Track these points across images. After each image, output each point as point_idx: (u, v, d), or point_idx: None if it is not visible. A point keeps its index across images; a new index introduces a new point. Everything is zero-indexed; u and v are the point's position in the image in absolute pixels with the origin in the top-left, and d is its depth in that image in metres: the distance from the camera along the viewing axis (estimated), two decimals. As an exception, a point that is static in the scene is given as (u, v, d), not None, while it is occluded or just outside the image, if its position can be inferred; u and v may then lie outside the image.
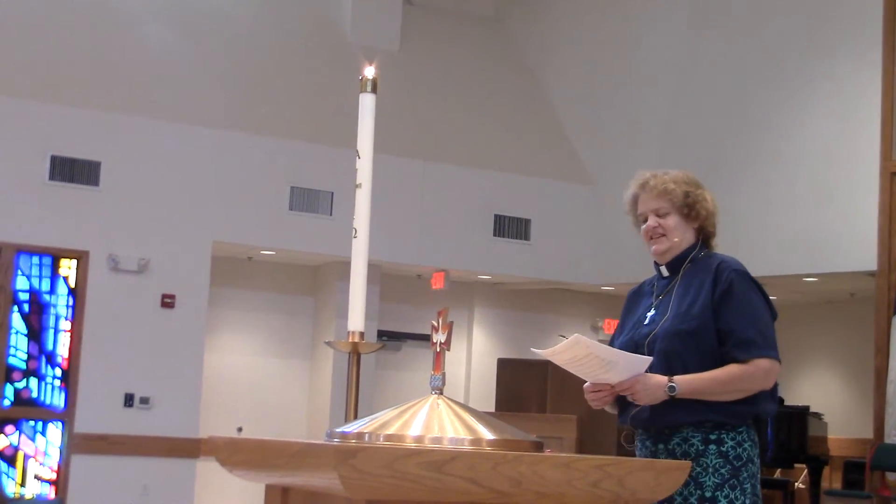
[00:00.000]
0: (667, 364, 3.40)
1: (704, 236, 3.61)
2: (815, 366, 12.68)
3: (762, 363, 3.36)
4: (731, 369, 3.35)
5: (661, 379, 3.34)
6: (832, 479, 11.13)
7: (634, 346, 3.51)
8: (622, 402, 3.51)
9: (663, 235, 3.56)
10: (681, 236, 3.56)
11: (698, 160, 10.29)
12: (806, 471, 10.83)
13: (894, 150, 8.92)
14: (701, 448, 3.39)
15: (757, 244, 10.01)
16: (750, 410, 3.40)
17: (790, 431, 10.01)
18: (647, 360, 3.36)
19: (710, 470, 3.37)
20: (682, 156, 11.21)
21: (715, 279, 3.46)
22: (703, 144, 10.98)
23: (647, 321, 3.54)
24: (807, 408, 10.62)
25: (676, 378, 3.34)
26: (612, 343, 3.63)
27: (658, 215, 3.56)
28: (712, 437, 3.39)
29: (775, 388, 3.47)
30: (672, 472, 2.61)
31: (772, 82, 10.94)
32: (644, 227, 3.61)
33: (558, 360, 3.33)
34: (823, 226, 10.21)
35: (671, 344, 3.41)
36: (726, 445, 3.38)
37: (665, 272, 3.60)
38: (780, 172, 10.57)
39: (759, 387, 3.38)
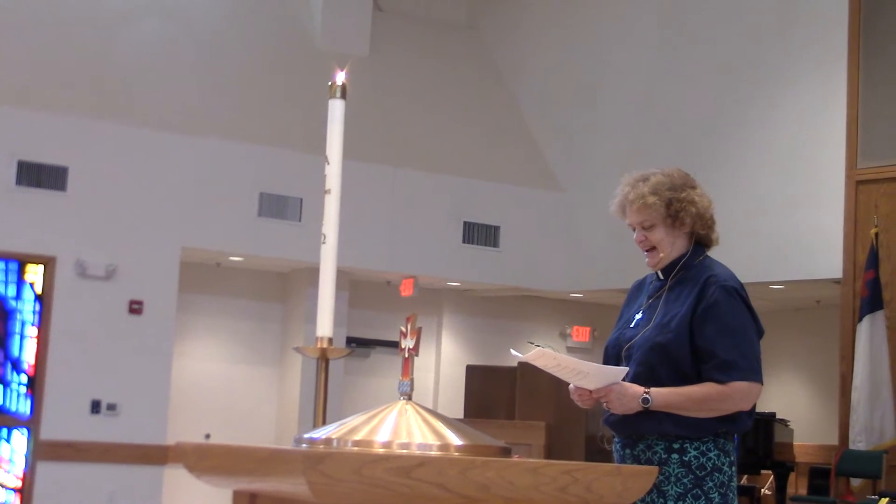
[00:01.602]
0: (637, 371, 3.40)
1: (699, 237, 3.54)
2: (781, 372, 12.76)
3: (740, 386, 3.32)
4: (707, 388, 3.33)
5: (637, 389, 3.33)
6: (798, 485, 11.20)
7: (618, 348, 3.52)
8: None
9: (653, 248, 3.52)
10: (670, 246, 3.50)
11: (668, 165, 10.32)
12: (772, 477, 10.90)
13: (859, 158, 8.99)
14: (664, 456, 3.38)
15: (723, 252, 10.06)
16: (714, 426, 3.38)
17: (756, 438, 10.08)
18: (623, 371, 3.35)
19: (672, 479, 3.36)
20: (650, 163, 11.24)
21: (700, 293, 3.41)
22: (670, 152, 11.04)
23: (633, 324, 3.53)
24: (773, 414, 10.69)
25: (652, 390, 3.32)
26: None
27: (644, 228, 3.52)
28: (675, 446, 3.37)
29: (753, 406, 3.45)
30: (639, 478, 2.63)
31: (737, 91, 11.02)
32: (635, 238, 3.56)
33: (538, 365, 3.36)
34: (790, 234, 10.28)
35: (645, 355, 3.40)
36: (689, 455, 3.37)
37: (661, 274, 3.56)
38: (746, 180, 10.64)
39: (735, 408, 3.35)
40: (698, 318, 3.38)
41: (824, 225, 9.76)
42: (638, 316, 3.53)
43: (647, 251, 3.55)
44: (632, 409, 3.34)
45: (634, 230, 3.56)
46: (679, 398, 3.33)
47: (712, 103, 11.22)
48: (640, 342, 3.43)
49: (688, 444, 3.37)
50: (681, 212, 3.48)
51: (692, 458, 3.37)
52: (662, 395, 3.32)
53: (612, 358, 3.53)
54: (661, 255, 3.51)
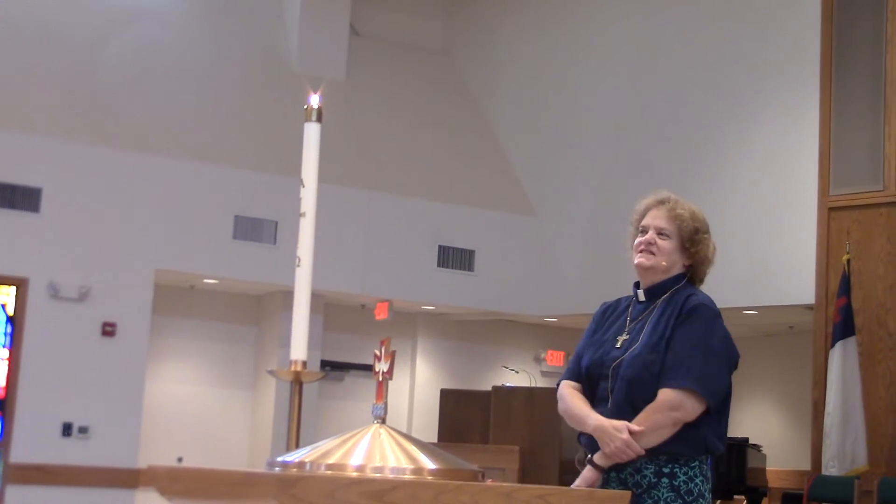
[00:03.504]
0: (629, 390, 3.40)
1: (691, 277, 3.61)
2: (754, 398, 12.80)
3: (668, 395, 3.34)
4: (646, 406, 3.36)
5: (618, 423, 3.35)
6: (771, 511, 11.23)
7: (601, 366, 3.50)
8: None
9: (652, 253, 3.54)
10: (669, 263, 3.55)
11: (640, 191, 10.39)
12: (745, 502, 10.91)
13: (832, 185, 9.05)
14: (653, 480, 3.38)
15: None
16: (702, 438, 3.39)
17: (729, 463, 10.10)
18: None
19: (662, 503, 3.37)
20: (623, 187, 11.32)
21: (680, 311, 3.47)
22: (644, 177, 11.10)
23: (618, 344, 3.52)
24: (746, 439, 10.72)
25: (631, 427, 3.34)
26: (578, 356, 3.61)
27: (659, 233, 3.56)
28: (665, 469, 3.38)
29: (723, 426, 3.45)
30: (612, 502, 2.63)
31: (710, 118, 11.09)
32: (639, 238, 3.58)
33: None
34: (763, 260, 10.34)
35: (637, 372, 3.40)
36: (678, 479, 3.37)
37: (642, 297, 3.58)
38: (719, 206, 10.69)
39: (675, 417, 3.33)
40: (675, 331, 3.43)
41: (797, 251, 9.82)
42: (623, 336, 3.53)
43: (644, 253, 3.55)
44: (635, 447, 3.32)
45: (641, 234, 3.58)
46: (644, 413, 3.35)
47: (685, 129, 11.29)
48: (629, 360, 3.44)
49: (677, 469, 3.38)
50: (699, 244, 3.59)
51: (681, 483, 3.38)
52: (645, 437, 3.33)
53: (595, 377, 3.52)
54: (663, 263, 3.54)
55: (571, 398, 3.54)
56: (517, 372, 12.86)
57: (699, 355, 3.39)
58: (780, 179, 10.40)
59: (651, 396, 3.38)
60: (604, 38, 12.26)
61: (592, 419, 3.42)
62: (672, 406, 3.33)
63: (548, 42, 12.82)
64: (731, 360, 3.46)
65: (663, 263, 3.55)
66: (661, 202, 3.63)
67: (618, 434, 3.33)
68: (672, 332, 3.43)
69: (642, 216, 3.63)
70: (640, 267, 3.57)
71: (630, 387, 3.41)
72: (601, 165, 11.96)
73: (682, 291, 3.55)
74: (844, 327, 8.54)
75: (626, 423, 3.35)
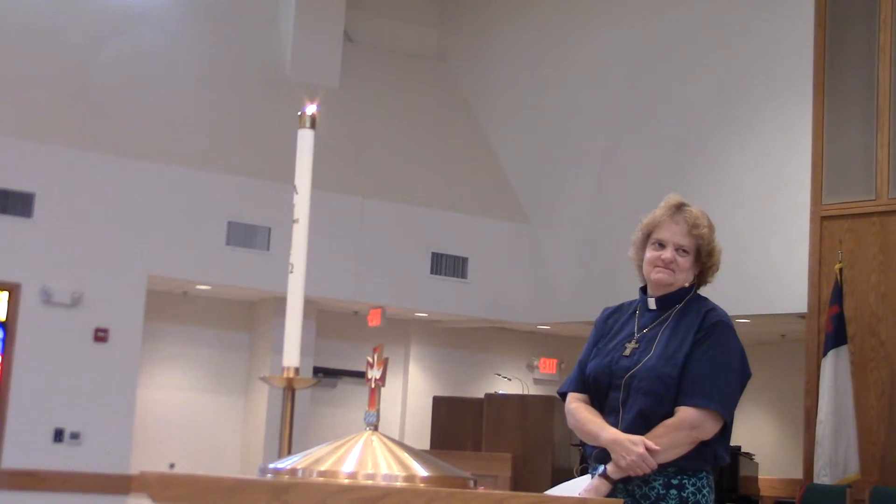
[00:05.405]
0: (644, 403, 3.37)
1: (697, 282, 3.58)
2: (746, 406, 12.80)
3: (690, 413, 3.33)
4: (664, 422, 3.34)
5: (635, 438, 3.32)
6: (763, 519, 11.23)
7: (610, 375, 3.44)
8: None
9: (672, 271, 3.50)
10: (687, 277, 3.52)
11: (634, 200, 10.41)
12: (737, 511, 10.91)
13: (824, 195, 9.07)
14: (662, 492, 3.36)
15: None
16: (712, 450, 3.39)
17: (721, 471, 10.10)
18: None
19: None
20: (617, 196, 11.35)
21: (700, 326, 3.43)
22: (638, 185, 11.12)
23: (627, 352, 3.47)
24: (738, 448, 10.72)
25: (647, 442, 3.30)
26: (582, 365, 3.57)
27: (679, 250, 3.50)
28: (674, 481, 3.36)
29: (728, 437, 3.44)
30: (604, 510, 2.63)
31: (703, 127, 11.11)
32: (656, 254, 3.50)
33: None
34: (755, 268, 10.36)
35: (652, 385, 3.36)
36: (687, 491, 3.36)
37: (653, 305, 3.53)
38: (712, 214, 10.68)
39: (694, 436, 3.33)
40: (695, 347, 3.40)
41: (790, 260, 9.83)
42: (632, 345, 3.47)
43: (665, 271, 3.49)
44: (650, 461, 3.30)
45: (657, 247, 3.52)
46: (662, 429, 3.32)
47: (679, 138, 11.31)
48: (643, 372, 3.39)
49: (686, 480, 3.37)
50: (712, 257, 3.55)
51: (690, 495, 3.36)
52: (662, 456, 3.31)
53: (602, 386, 3.47)
54: (684, 283, 3.52)
55: (582, 412, 3.49)
56: (510, 379, 12.86)
57: (721, 376, 3.38)
58: (773, 188, 10.42)
59: (665, 409, 3.35)
60: (598, 45, 12.28)
61: (606, 433, 3.38)
62: (693, 425, 3.32)
63: (542, 49, 12.84)
64: (745, 377, 3.46)
65: (685, 285, 3.53)
66: (679, 213, 3.56)
67: (634, 448, 3.30)
68: (691, 348, 3.39)
69: (657, 224, 3.56)
70: (659, 283, 3.51)
71: (645, 399, 3.37)
72: (595, 173, 11.98)
73: (697, 303, 3.52)
74: (836, 336, 8.55)
75: (642, 437, 3.31)
